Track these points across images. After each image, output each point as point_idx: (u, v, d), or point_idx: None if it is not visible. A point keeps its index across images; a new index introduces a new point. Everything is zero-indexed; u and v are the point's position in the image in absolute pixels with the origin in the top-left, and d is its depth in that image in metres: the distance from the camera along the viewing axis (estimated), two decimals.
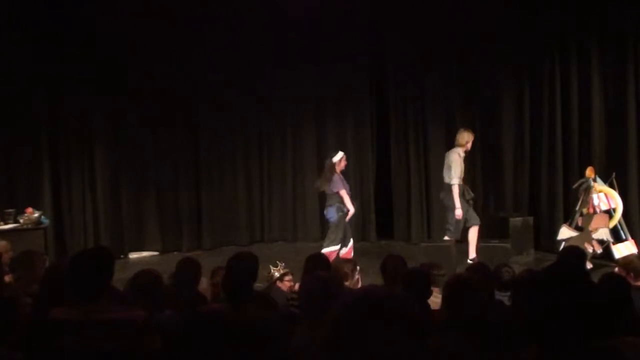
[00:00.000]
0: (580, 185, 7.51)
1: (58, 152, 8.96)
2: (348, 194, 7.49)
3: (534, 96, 8.68)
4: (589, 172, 7.40)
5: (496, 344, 2.51)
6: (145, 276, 3.84)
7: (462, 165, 7.55)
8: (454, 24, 9.00)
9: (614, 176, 7.42)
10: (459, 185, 7.47)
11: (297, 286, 5.07)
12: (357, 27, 9.68)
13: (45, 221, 8.19)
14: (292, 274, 5.31)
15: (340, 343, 1.30)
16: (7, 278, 5.61)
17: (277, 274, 5.27)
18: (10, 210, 8.01)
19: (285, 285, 5.21)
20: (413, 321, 1.32)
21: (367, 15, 9.64)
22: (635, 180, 7.76)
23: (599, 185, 7.34)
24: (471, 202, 7.77)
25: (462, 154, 7.59)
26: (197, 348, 2.48)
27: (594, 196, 7.23)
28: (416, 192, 9.70)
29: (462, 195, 7.50)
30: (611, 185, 7.40)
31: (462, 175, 7.54)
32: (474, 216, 7.68)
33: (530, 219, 8.23)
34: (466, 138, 7.62)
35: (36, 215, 7.98)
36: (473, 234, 7.65)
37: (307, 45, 9.58)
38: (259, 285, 4.52)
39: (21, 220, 7.89)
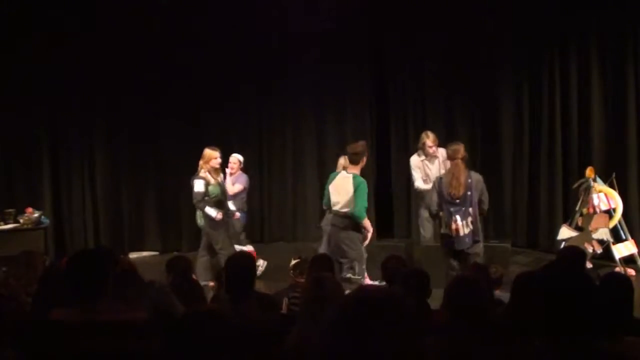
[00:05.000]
0: (580, 185, 7.51)
1: (58, 152, 8.96)
2: None
3: (534, 96, 8.67)
4: (589, 172, 7.40)
5: (496, 343, 2.51)
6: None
7: None
8: (454, 24, 9.00)
9: (614, 176, 7.42)
10: None
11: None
12: (357, 27, 9.67)
13: (45, 221, 8.20)
14: None
15: (339, 343, 1.30)
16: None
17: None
18: (10, 210, 8.01)
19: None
20: (411, 321, 1.32)
21: (367, 14, 9.64)
22: (635, 180, 7.75)
23: (599, 185, 7.34)
24: None
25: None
26: (197, 348, 2.48)
27: (594, 196, 7.23)
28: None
29: None
30: (611, 185, 7.40)
31: None
32: None
33: None
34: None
35: (36, 215, 7.99)
36: None
37: (307, 44, 9.58)
38: (258, 285, 4.52)
39: (21, 220, 7.90)
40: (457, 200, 5.79)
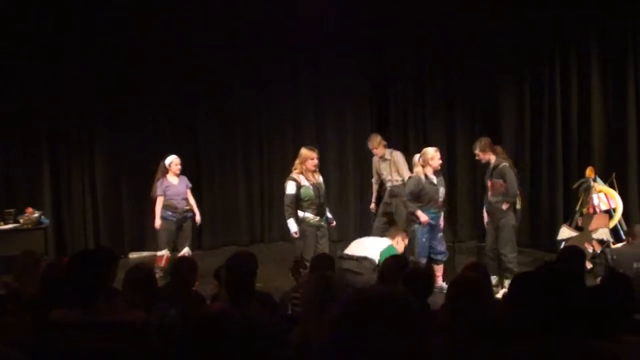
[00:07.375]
0: (580, 185, 7.51)
1: (58, 152, 8.95)
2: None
3: (534, 96, 8.68)
4: (589, 172, 7.40)
5: (496, 342, 2.51)
6: (139, 271, 3.88)
7: None
8: (454, 24, 9.01)
9: (614, 176, 7.42)
10: None
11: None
12: (357, 27, 9.67)
13: (45, 221, 8.20)
14: None
15: (341, 343, 1.30)
16: None
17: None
18: (10, 210, 8.02)
19: None
20: (414, 320, 1.32)
21: (367, 14, 9.64)
22: (635, 180, 7.75)
23: (599, 185, 7.34)
24: None
25: None
26: (197, 348, 2.48)
27: (594, 196, 7.23)
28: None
29: None
30: (611, 185, 7.40)
31: None
32: None
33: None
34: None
35: (36, 215, 7.99)
36: None
37: (307, 45, 9.58)
38: (259, 285, 4.52)
39: (21, 220, 7.90)
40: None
